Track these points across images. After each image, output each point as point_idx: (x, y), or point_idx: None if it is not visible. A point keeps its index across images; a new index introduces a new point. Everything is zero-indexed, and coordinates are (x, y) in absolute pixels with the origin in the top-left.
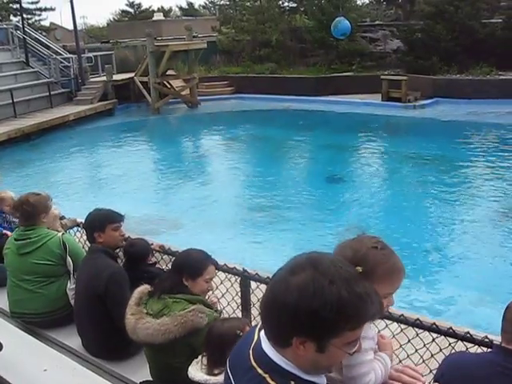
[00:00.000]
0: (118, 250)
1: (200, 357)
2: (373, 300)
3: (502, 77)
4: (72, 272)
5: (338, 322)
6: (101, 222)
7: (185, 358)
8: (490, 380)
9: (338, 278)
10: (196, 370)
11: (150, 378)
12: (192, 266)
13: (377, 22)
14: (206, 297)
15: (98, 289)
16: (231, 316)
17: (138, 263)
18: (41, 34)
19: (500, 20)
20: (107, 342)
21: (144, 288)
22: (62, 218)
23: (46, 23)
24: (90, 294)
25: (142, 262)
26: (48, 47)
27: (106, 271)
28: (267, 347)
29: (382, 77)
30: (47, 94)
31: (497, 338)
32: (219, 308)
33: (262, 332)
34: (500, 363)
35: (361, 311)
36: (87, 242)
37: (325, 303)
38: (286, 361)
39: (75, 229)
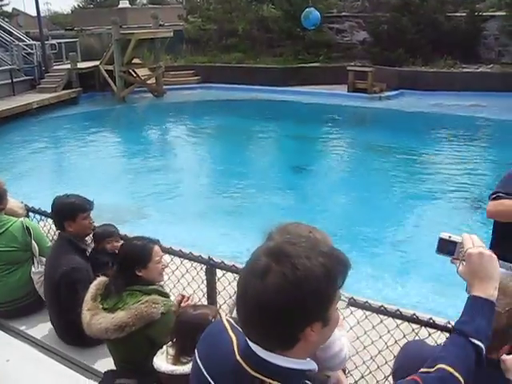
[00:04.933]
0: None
1: (165, 347)
2: (338, 250)
3: (465, 69)
4: (37, 255)
5: (335, 288)
6: (72, 211)
7: (145, 349)
8: None
9: (311, 250)
10: (161, 361)
11: (115, 368)
12: (138, 256)
13: (343, 14)
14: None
15: (55, 281)
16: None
17: (97, 244)
18: (3, 19)
19: (464, 14)
20: (69, 330)
21: (100, 281)
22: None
23: (8, 9)
24: (50, 284)
25: (102, 242)
26: (10, 33)
27: (61, 267)
28: (267, 355)
29: (348, 68)
30: (9, 81)
31: None
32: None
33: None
34: None
35: (344, 263)
36: (50, 231)
37: (325, 277)
38: (294, 359)
39: (38, 217)
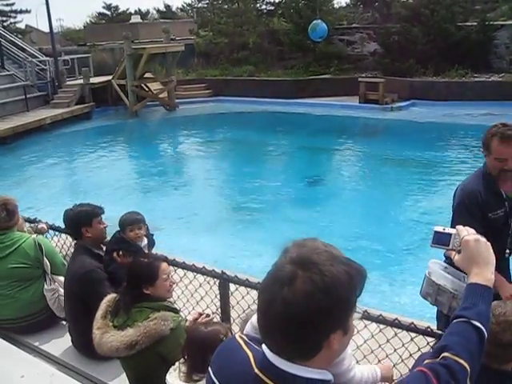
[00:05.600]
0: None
1: (177, 364)
2: (354, 261)
3: (476, 79)
4: (49, 273)
5: (355, 297)
6: (87, 216)
7: (157, 366)
8: None
9: (333, 259)
10: (174, 378)
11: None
12: (145, 274)
13: (354, 25)
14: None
15: (74, 288)
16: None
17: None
18: (16, 36)
19: (475, 23)
20: (87, 341)
21: (111, 297)
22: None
23: (21, 26)
24: (69, 294)
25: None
26: (24, 50)
27: (79, 271)
28: (287, 365)
29: (360, 79)
30: (23, 97)
31: None
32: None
33: (268, 352)
34: None
35: (362, 273)
36: (64, 246)
37: (349, 284)
38: (314, 369)
39: (51, 232)
